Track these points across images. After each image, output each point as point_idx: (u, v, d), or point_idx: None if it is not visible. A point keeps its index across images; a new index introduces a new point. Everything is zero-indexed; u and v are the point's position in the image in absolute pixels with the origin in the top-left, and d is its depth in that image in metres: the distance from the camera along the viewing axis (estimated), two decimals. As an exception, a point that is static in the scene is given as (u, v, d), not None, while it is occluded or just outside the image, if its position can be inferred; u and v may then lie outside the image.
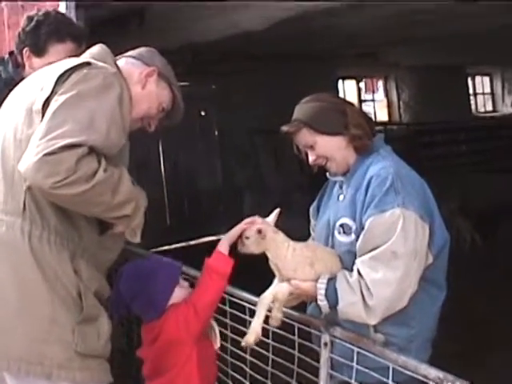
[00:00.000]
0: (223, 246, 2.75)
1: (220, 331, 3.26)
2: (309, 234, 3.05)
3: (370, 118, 2.83)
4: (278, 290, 2.61)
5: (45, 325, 2.44)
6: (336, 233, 2.68)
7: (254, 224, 2.65)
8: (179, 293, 2.77)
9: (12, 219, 2.46)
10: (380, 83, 15.03)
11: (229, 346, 3.26)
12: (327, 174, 2.85)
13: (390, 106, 14.29)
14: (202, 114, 10.21)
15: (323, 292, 2.52)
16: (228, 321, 3.25)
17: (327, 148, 2.68)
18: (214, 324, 2.92)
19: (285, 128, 2.72)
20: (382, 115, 14.50)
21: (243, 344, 2.64)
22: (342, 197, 2.73)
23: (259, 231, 2.58)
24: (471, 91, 16.81)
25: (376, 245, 2.46)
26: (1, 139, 2.55)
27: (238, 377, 3.27)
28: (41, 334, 2.43)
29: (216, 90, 10.05)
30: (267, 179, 9.98)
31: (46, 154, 2.21)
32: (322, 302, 2.53)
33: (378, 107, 14.74)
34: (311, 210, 3.03)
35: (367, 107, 14.45)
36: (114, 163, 2.42)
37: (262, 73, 9.94)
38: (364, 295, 2.45)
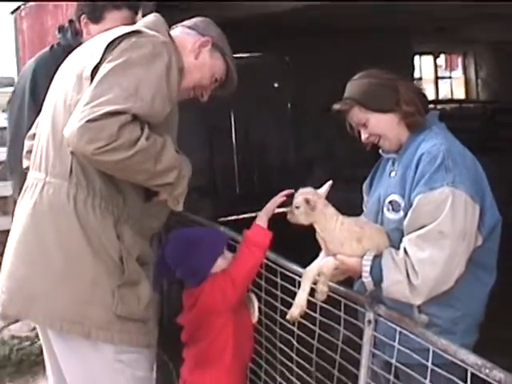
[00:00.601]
0: (261, 219, 2.77)
1: (269, 303, 3.29)
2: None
3: (424, 94, 2.74)
4: (323, 263, 2.59)
5: (87, 287, 2.49)
6: (385, 209, 2.63)
7: (306, 195, 2.61)
8: (222, 263, 2.79)
9: (59, 182, 2.51)
10: (459, 60, 14.64)
11: (278, 317, 3.27)
12: (380, 150, 2.79)
13: (467, 83, 13.91)
14: (276, 85, 10.13)
15: (368, 269, 2.49)
16: (279, 293, 3.25)
17: (379, 126, 2.62)
18: (253, 297, 2.95)
19: (336, 106, 2.68)
20: (459, 93, 14.13)
21: (288, 317, 2.64)
22: (393, 173, 2.68)
23: (307, 201, 2.54)
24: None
25: (423, 223, 2.40)
26: (53, 104, 2.59)
27: (285, 349, 3.27)
28: (83, 296, 2.49)
29: (290, 64, 9.96)
30: (338, 154, 9.87)
31: (89, 121, 2.24)
32: (367, 279, 2.50)
33: (455, 84, 14.37)
34: (364, 186, 2.98)
35: (444, 84, 14.11)
36: (158, 132, 2.42)
37: (338, 47, 9.81)
38: (409, 274, 2.40)
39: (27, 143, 2.90)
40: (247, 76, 8.82)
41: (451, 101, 14.18)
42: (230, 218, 8.20)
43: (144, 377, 2.69)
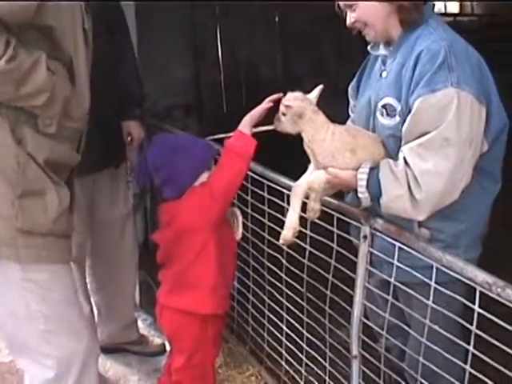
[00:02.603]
0: (244, 126, 2.49)
1: (256, 220, 3.06)
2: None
3: None
4: (313, 178, 2.32)
5: None
6: (378, 114, 2.34)
7: (294, 100, 2.32)
8: (205, 177, 2.53)
9: None
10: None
11: (266, 235, 3.06)
12: (368, 47, 2.51)
13: (461, -4, 13.45)
14: (263, -2, 9.69)
15: (364, 183, 2.22)
16: (266, 208, 3.04)
17: (367, 12, 2.31)
18: (237, 212, 2.70)
19: None
20: (453, 6, 13.67)
21: (281, 241, 2.39)
22: (384, 74, 2.38)
23: (287, 107, 2.28)
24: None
25: (425, 130, 2.13)
26: None
27: (274, 268, 3.08)
28: None
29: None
30: (329, 68, 9.54)
31: None
32: (363, 195, 2.24)
33: (448, -3, 13.89)
34: (350, 89, 2.70)
35: (438, -3, 13.63)
36: (37, 44, 2.11)
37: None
38: (411, 188, 2.15)
39: None
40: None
41: (445, 14, 13.83)
42: (216, 136, 7.92)
43: (60, 300, 2.35)
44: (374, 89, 2.40)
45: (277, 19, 9.83)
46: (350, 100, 2.71)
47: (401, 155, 2.19)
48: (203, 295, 2.56)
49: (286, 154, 3.81)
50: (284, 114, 2.31)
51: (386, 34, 2.36)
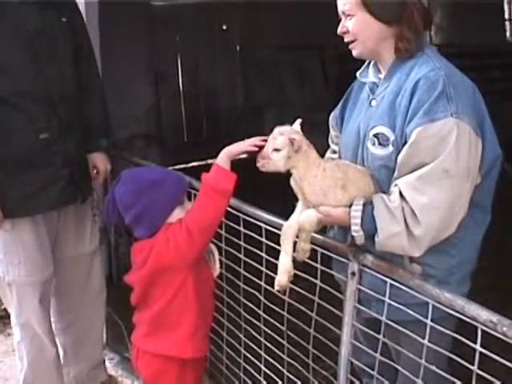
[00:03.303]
0: (223, 159, 2.34)
1: (232, 255, 2.93)
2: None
3: (431, 20, 2.35)
4: (304, 218, 2.20)
5: None
6: (369, 144, 2.24)
7: (292, 133, 2.19)
8: (180, 213, 2.40)
9: None
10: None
11: (241, 270, 2.95)
12: (357, 73, 2.42)
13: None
14: (224, 28, 9.69)
15: (359, 221, 2.11)
16: (242, 243, 2.92)
17: (363, 28, 2.21)
18: (214, 248, 2.59)
19: None
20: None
21: (277, 288, 2.26)
22: (374, 102, 2.28)
23: (292, 141, 2.13)
24: (507, 16, 16.04)
25: (423, 161, 2.04)
26: None
27: (252, 306, 2.95)
28: None
29: (239, 5, 9.54)
30: (290, 98, 9.52)
31: None
32: (358, 233, 2.13)
33: None
34: (331, 118, 2.60)
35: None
36: None
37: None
38: (408, 224, 2.05)
39: None
40: (194, 19, 8.43)
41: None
42: (177, 167, 7.82)
43: None
44: (364, 118, 2.30)
45: (238, 48, 9.83)
46: (331, 130, 2.61)
47: (395, 189, 2.09)
48: (183, 338, 2.44)
49: (262, 185, 3.70)
50: (277, 150, 2.16)
51: (375, 55, 2.28)
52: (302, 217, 2.21)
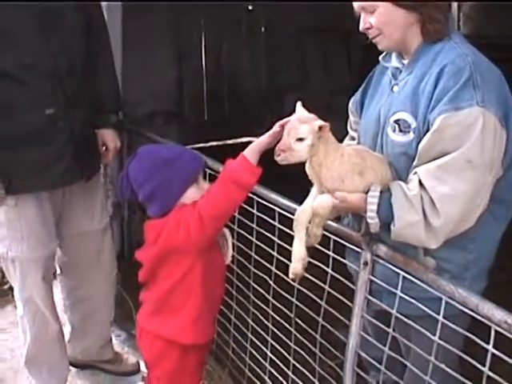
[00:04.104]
0: (252, 151, 2.21)
1: (243, 237, 2.92)
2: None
3: None
4: (318, 203, 2.11)
5: None
6: (389, 130, 2.16)
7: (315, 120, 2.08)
8: (195, 193, 2.32)
9: None
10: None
11: (253, 254, 2.93)
12: (380, 57, 2.33)
13: (449, 16, 13.44)
14: (250, 8, 9.58)
15: (375, 208, 2.03)
16: (255, 226, 2.88)
17: (388, 20, 2.11)
18: (228, 234, 2.50)
19: None
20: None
21: (291, 276, 2.18)
22: (396, 88, 2.20)
23: (321, 128, 2.04)
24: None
25: (445, 149, 1.96)
26: None
27: (260, 290, 2.94)
28: None
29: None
30: (313, 81, 9.43)
31: None
32: (373, 220, 2.05)
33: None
34: (351, 104, 2.51)
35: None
36: None
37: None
38: (427, 214, 1.97)
39: None
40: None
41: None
42: (196, 146, 7.77)
43: None
44: (384, 103, 2.23)
45: (263, 29, 9.73)
46: (351, 116, 2.53)
47: (415, 177, 2.01)
48: (185, 323, 2.37)
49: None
50: (301, 140, 2.06)
51: (402, 45, 2.18)
52: (317, 201, 2.13)
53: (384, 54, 2.31)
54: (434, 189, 1.95)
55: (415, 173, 2.02)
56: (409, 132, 2.09)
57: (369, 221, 2.06)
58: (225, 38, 9.11)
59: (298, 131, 2.05)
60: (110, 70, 3.30)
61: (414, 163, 2.05)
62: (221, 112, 9.17)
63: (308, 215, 2.13)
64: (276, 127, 2.18)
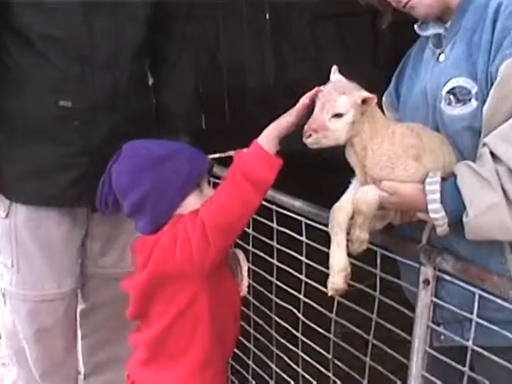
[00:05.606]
0: (268, 137, 2.02)
1: (260, 259, 2.76)
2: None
3: None
4: (359, 197, 1.96)
5: None
6: (442, 105, 2.02)
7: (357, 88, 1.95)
8: (196, 203, 2.13)
9: None
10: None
11: (274, 280, 2.76)
12: (415, 26, 2.21)
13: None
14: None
15: (438, 197, 1.87)
16: (275, 244, 2.70)
17: None
18: (241, 255, 2.34)
19: None
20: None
21: (331, 292, 2.04)
22: (443, 56, 2.10)
23: (366, 101, 1.89)
24: None
25: None
26: None
27: (286, 325, 2.74)
28: None
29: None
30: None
31: None
32: (438, 214, 1.87)
33: None
34: (385, 97, 2.40)
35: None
36: None
37: None
38: (507, 190, 1.80)
39: None
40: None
41: None
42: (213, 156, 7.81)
43: None
44: (431, 77, 2.12)
45: (267, 17, 9.79)
46: (386, 112, 2.39)
47: (484, 150, 1.86)
48: (188, 374, 2.21)
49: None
50: (339, 116, 1.90)
51: (443, 6, 2.07)
52: (358, 195, 1.97)
53: (419, 22, 2.21)
54: (506, 154, 1.81)
55: (484, 145, 1.87)
56: (470, 100, 1.98)
57: (432, 216, 1.89)
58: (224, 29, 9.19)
59: (336, 104, 1.90)
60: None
61: (482, 134, 1.92)
62: (221, 117, 9.23)
63: (347, 213, 2.00)
64: (303, 100, 2.00)
